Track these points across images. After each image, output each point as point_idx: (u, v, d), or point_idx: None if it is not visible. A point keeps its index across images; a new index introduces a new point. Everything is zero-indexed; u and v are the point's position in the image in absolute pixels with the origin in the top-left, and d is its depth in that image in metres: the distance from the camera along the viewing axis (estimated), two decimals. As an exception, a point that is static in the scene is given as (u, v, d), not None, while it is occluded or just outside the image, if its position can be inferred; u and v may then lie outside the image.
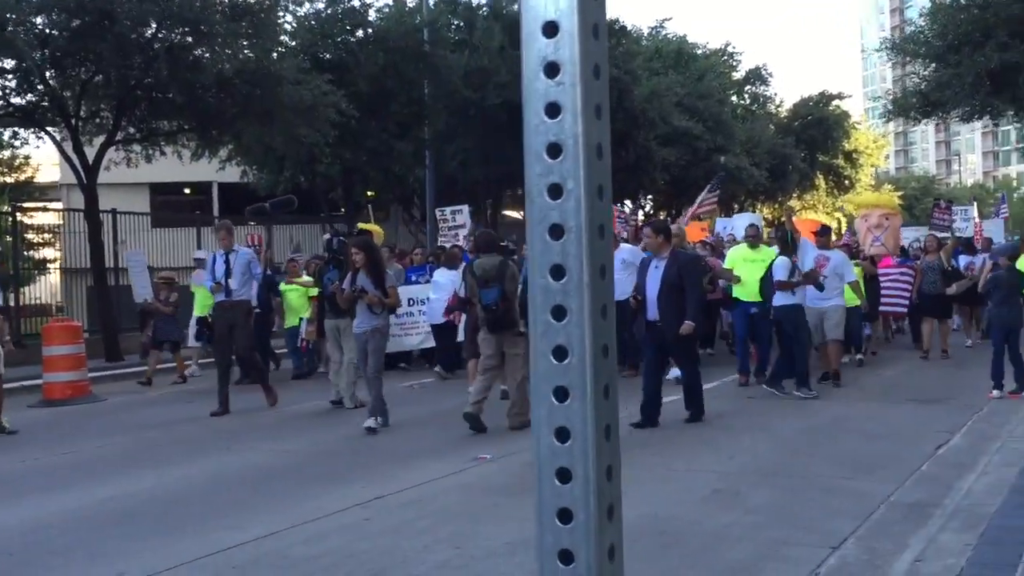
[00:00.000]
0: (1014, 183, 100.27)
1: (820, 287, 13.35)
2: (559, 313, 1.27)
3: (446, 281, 15.20)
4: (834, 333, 13.97)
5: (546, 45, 1.27)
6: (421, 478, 8.84)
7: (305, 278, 16.88)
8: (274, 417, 12.89)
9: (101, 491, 8.70)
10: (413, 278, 17.23)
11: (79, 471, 9.71)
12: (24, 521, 7.70)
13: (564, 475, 1.29)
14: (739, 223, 21.12)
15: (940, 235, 19.74)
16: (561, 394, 1.28)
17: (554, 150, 1.28)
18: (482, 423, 10.73)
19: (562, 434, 1.29)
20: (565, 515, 1.30)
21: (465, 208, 21.66)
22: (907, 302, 18.03)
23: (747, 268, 14.21)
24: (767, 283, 13.56)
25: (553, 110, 1.28)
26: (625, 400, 11.22)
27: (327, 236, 14.82)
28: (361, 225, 20.43)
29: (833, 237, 16.81)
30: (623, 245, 15.65)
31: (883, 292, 17.80)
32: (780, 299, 13.01)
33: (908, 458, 8.93)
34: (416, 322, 16.67)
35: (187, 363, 17.44)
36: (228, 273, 12.78)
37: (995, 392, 12.08)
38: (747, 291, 14.13)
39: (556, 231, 1.27)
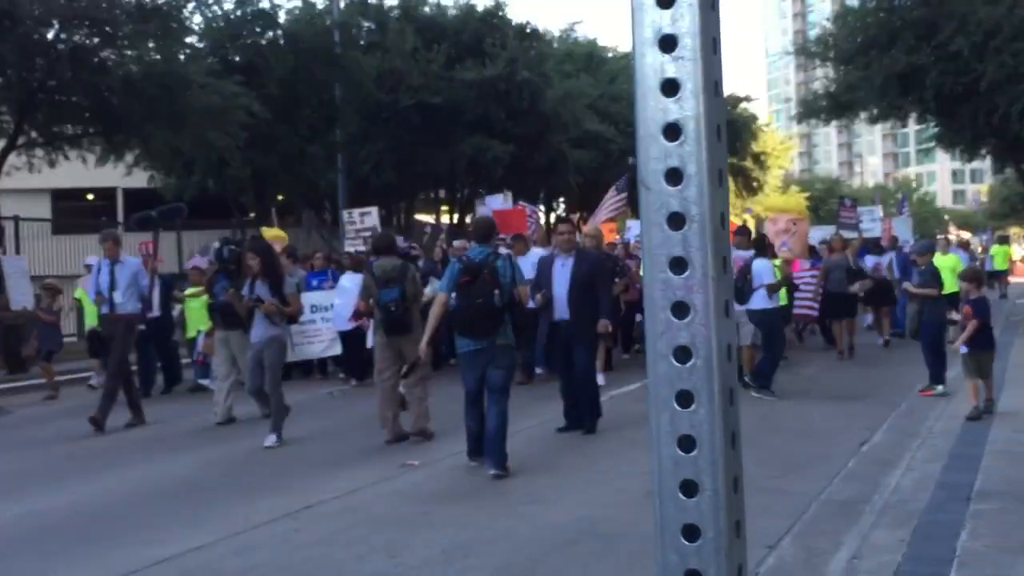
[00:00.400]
0: (913, 184, 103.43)
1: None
2: (681, 310, 1.17)
3: (352, 286, 14.65)
4: (746, 338, 13.39)
5: (661, 16, 1.18)
6: (350, 486, 8.73)
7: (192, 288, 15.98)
8: (191, 428, 12.57)
9: (16, 508, 8.39)
10: (315, 283, 16.66)
11: (-10, 488, 9.36)
12: (-65, 543, 7.39)
13: (690, 488, 1.19)
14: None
15: (848, 235, 19.90)
16: (685, 399, 1.19)
17: (672, 131, 1.18)
18: (404, 434, 10.62)
19: (686, 443, 1.19)
20: (691, 532, 1.20)
21: (374, 211, 21.31)
22: (819, 304, 17.84)
23: None
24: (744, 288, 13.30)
25: (671, 87, 1.18)
26: (531, 407, 11.14)
27: (216, 244, 14.18)
28: (264, 230, 20.08)
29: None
30: (534, 249, 15.52)
31: (796, 295, 17.48)
32: (760, 303, 12.97)
33: (834, 456, 9.08)
34: (319, 329, 15.96)
35: (89, 375, 16.77)
36: (113, 285, 12.20)
37: (939, 387, 12.09)
38: None
39: (676, 220, 1.17)
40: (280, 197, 30.46)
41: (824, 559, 6.23)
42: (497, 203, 20.34)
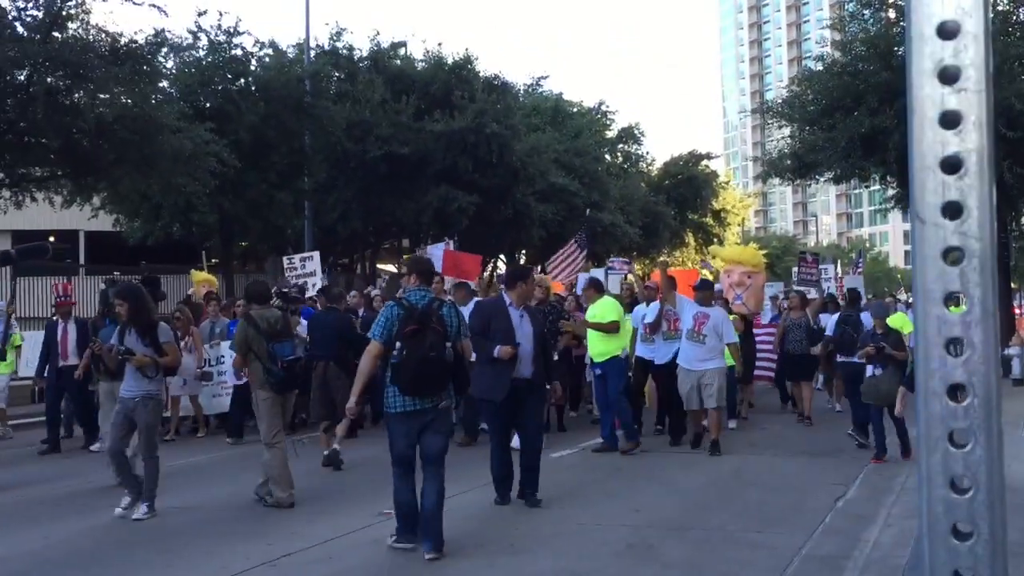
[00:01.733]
0: (866, 244, 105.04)
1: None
2: (956, 347, 1.14)
3: None
4: (713, 400, 12.57)
5: (943, 47, 1.15)
6: (328, 534, 8.61)
7: None
8: (163, 472, 12.36)
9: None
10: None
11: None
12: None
13: (962, 533, 1.15)
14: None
15: (808, 290, 19.14)
16: (958, 439, 1.15)
17: (951, 165, 1.16)
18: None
19: (959, 485, 1.15)
20: None
21: (316, 255, 20.88)
22: (775, 365, 17.07)
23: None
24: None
25: (951, 120, 1.16)
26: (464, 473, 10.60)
27: (103, 287, 13.66)
28: (194, 273, 19.74)
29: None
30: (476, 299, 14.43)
31: (758, 355, 16.76)
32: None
33: (811, 510, 9.10)
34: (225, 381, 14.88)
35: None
36: None
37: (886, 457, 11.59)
38: (591, 351, 13.21)
39: (954, 255, 1.14)
40: (243, 243, 30.33)
41: (813, 613, 6.25)
42: (439, 251, 19.49)
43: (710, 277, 18.89)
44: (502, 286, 10.80)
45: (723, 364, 12.84)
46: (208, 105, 24.58)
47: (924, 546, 1.19)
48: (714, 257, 21.13)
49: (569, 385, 15.00)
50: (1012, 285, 37.43)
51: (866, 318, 13.72)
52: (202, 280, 19.19)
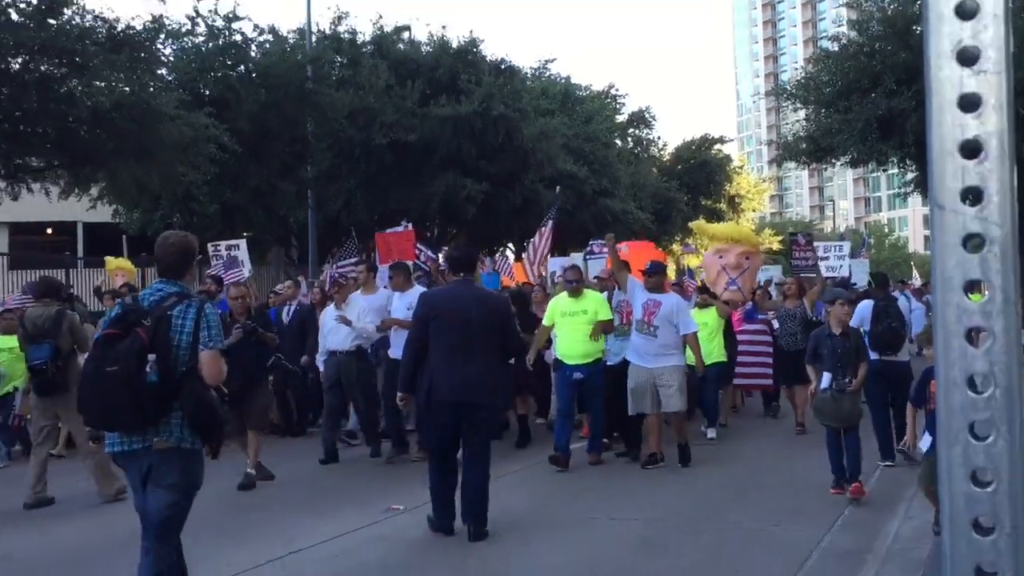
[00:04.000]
0: (885, 228, 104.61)
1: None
2: (976, 336, 1.13)
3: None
4: (674, 403, 11.00)
5: (962, 28, 1.14)
6: (335, 531, 8.64)
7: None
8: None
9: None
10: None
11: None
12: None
13: (984, 527, 1.15)
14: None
15: (807, 276, 16.67)
16: (979, 431, 1.14)
17: (971, 149, 1.15)
18: (48, 500, 10.02)
19: (981, 478, 1.15)
20: (985, 573, 1.14)
21: (242, 243, 19.04)
22: (771, 370, 14.60)
23: (567, 323, 11.47)
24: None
25: (970, 103, 1.15)
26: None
27: (96, 284, 13.45)
28: (109, 260, 19.22)
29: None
30: (417, 287, 12.53)
31: (741, 360, 14.53)
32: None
33: (828, 503, 9.08)
34: None
35: None
36: None
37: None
38: (569, 351, 11.49)
39: (975, 242, 1.14)
40: (246, 234, 30.35)
41: (834, 607, 6.26)
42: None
43: (696, 260, 17.19)
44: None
45: (682, 362, 11.25)
46: (208, 93, 24.58)
47: (945, 540, 1.19)
48: (699, 236, 18.55)
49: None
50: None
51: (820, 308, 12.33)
52: (116, 267, 18.53)
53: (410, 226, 18.74)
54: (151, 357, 5.27)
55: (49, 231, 35.68)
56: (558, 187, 27.35)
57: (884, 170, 28.56)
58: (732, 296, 14.35)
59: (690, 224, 25.67)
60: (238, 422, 10.59)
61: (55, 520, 9.53)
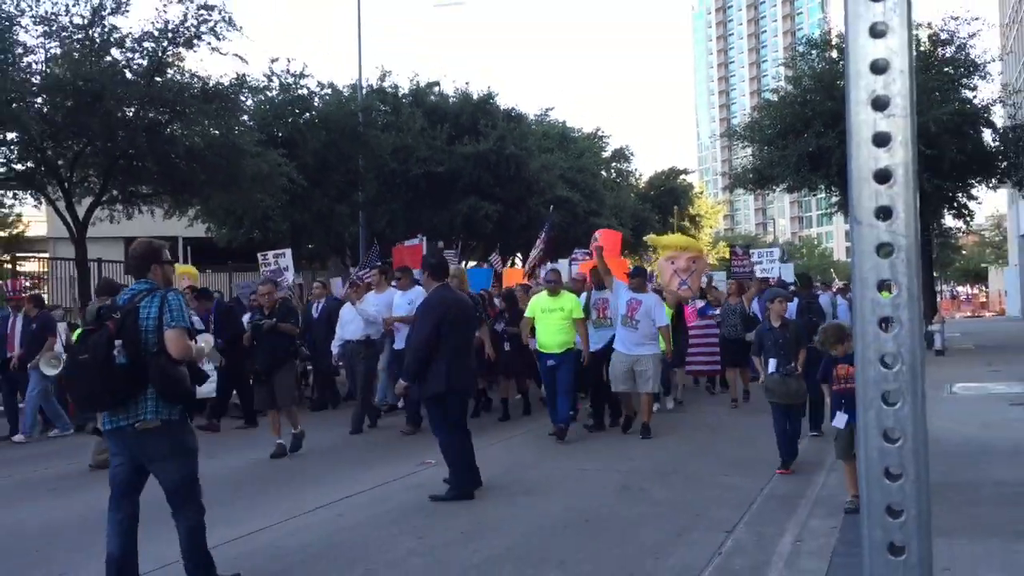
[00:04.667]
0: (815, 241, 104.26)
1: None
2: (887, 324, 1.16)
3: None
4: (648, 386, 10.97)
5: (875, 81, 1.16)
6: (379, 480, 8.65)
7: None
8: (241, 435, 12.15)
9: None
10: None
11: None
12: None
13: (893, 475, 1.17)
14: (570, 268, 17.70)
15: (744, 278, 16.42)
16: (890, 399, 1.16)
17: (882, 176, 1.17)
18: None
19: (891, 436, 1.16)
20: (894, 511, 1.17)
21: (287, 252, 17.87)
22: (718, 357, 14.53)
23: (546, 318, 11.21)
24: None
25: (881, 140, 1.17)
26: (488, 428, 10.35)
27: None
28: (177, 267, 18.70)
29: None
30: (417, 288, 11.77)
31: (692, 349, 14.55)
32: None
33: (768, 460, 9.00)
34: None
35: None
36: None
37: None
38: (547, 341, 11.19)
39: (886, 249, 1.16)
40: (310, 246, 30.37)
41: (772, 541, 6.22)
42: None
43: (649, 268, 16.82)
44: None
45: (657, 350, 11.14)
46: (280, 135, 24.58)
47: (862, 486, 1.21)
48: (654, 248, 18.06)
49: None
50: (934, 274, 37.09)
51: (759, 307, 12.15)
52: (182, 273, 17.61)
53: (424, 239, 18.91)
54: (118, 343, 5.05)
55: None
56: (552, 207, 27.32)
57: (814, 194, 28.51)
58: (685, 293, 14.27)
59: (644, 238, 25.39)
60: (269, 398, 10.33)
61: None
